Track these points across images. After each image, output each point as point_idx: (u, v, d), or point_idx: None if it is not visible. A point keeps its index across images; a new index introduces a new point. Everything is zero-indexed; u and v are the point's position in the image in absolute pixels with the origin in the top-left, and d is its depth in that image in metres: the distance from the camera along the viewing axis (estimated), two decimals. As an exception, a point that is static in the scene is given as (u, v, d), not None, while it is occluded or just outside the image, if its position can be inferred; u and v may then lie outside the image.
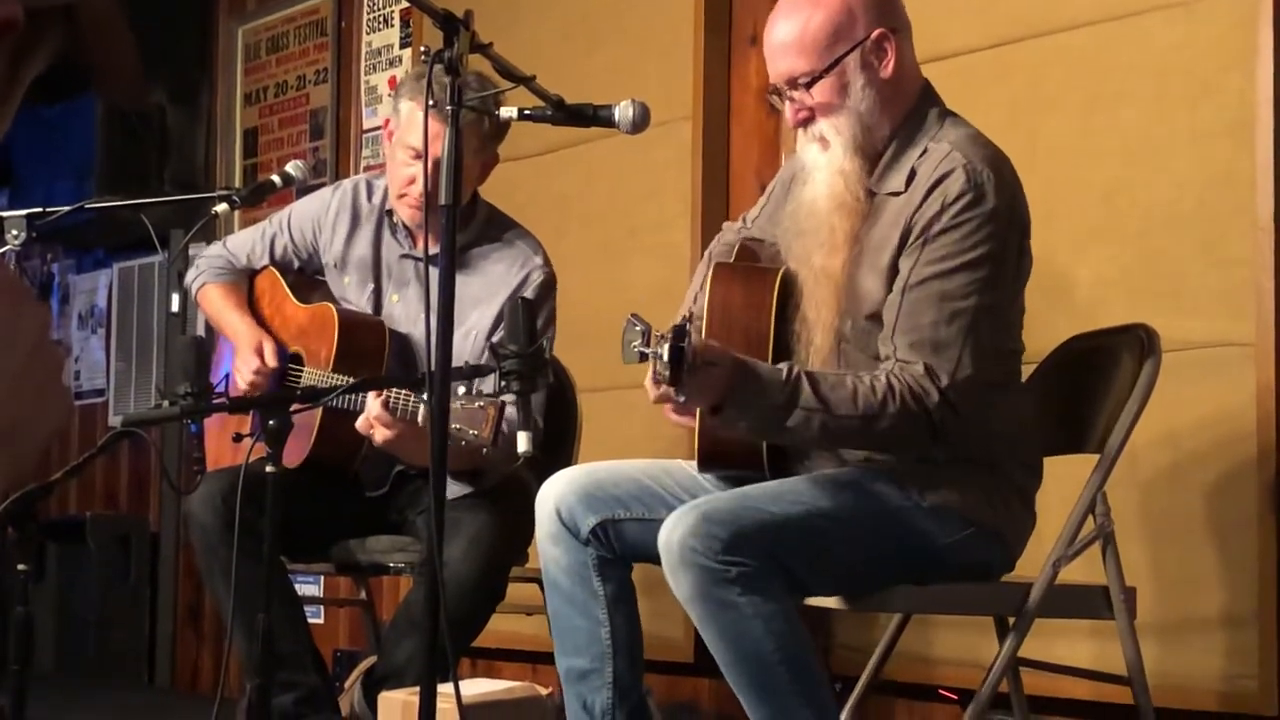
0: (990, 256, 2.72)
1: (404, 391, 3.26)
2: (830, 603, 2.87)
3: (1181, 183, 3.50)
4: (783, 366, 2.67)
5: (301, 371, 3.67)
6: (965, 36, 3.88)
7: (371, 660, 3.62)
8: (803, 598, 2.85)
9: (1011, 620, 2.95)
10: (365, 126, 5.68)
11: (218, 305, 3.82)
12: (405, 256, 3.73)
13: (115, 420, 6.76)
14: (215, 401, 3.08)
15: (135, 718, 5.88)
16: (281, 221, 3.88)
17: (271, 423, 2.77)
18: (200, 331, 3.95)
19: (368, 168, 5.58)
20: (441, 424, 2.54)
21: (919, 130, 2.83)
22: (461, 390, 2.75)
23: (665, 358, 2.47)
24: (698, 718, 4.44)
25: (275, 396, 3.42)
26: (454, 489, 3.42)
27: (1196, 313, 3.44)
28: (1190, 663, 3.41)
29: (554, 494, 2.93)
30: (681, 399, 2.57)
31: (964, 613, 3.33)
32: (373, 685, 3.47)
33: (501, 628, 3.82)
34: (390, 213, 3.74)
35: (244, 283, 3.88)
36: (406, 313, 3.70)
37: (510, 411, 2.74)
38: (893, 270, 2.75)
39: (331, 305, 3.70)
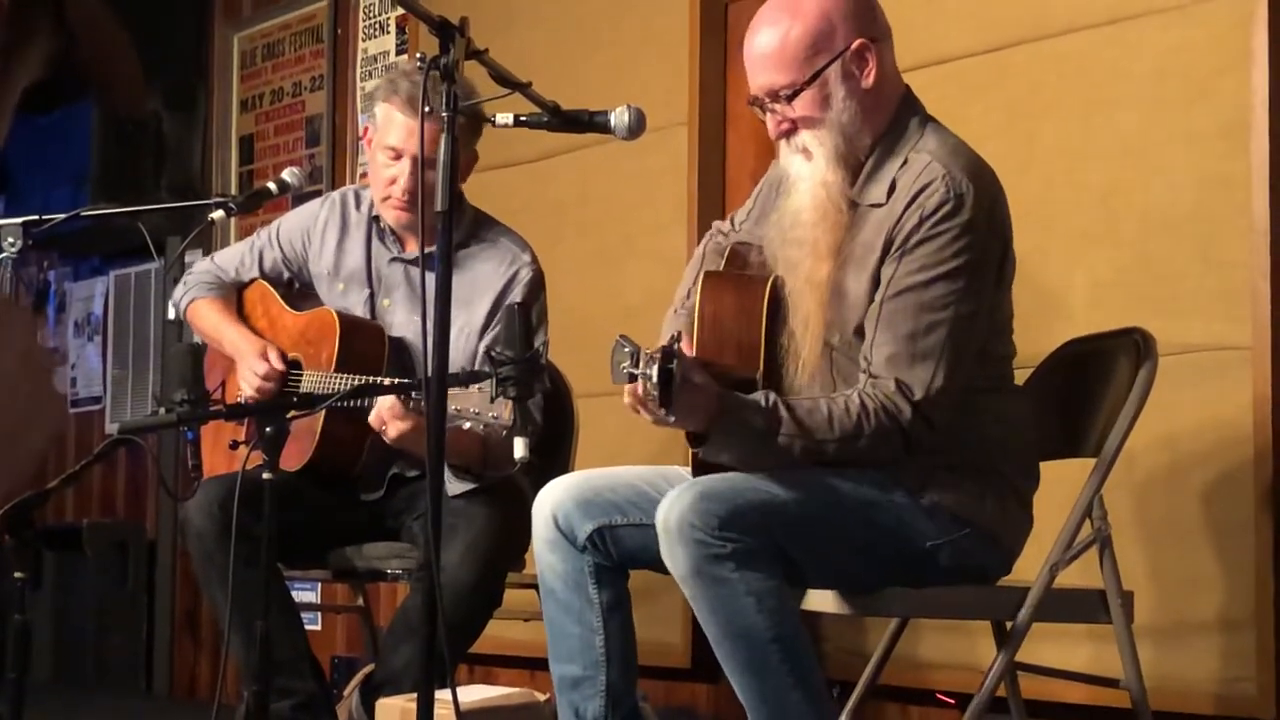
0: (968, 267, 2.72)
1: (412, 387, 3.26)
2: (828, 605, 2.87)
3: (1178, 186, 3.50)
4: (759, 396, 2.68)
5: (300, 376, 3.67)
6: (962, 41, 3.89)
7: (370, 667, 3.62)
8: (798, 587, 2.85)
9: (1009, 624, 2.95)
10: (362, 133, 5.68)
11: (211, 319, 3.81)
12: (395, 260, 3.73)
13: (112, 427, 6.76)
14: (212, 408, 3.08)
15: (133, 725, 5.88)
16: (270, 235, 3.88)
17: (268, 430, 2.77)
18: (196, 339, 3.94)
19: (364, 174, 5.58)
20: (439, 426, 2.53)
21: (900, 139, 2.83)
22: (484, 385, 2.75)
23: (654, 379, 2.47)
24: (696, 723, 4.44)
25: (272, 403, 3.42)
26: (456, 485, 3.42)
27: (1193, 316, 3.44)
28: (1188, 666, 3.41)
29: (551, 500, 2.93)
30: (671, 419, 2.58)
31: (961, 617, 3.33)
32: (370, 691, 3.46)
33: (499, 633, 3.82)
34: (378, 219, 3.75)
35: (233, 295, 3.87)
36: (398, 317, 3.70)
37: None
38: (875, 281, 2.76)
39: (330, 308, 3.70)
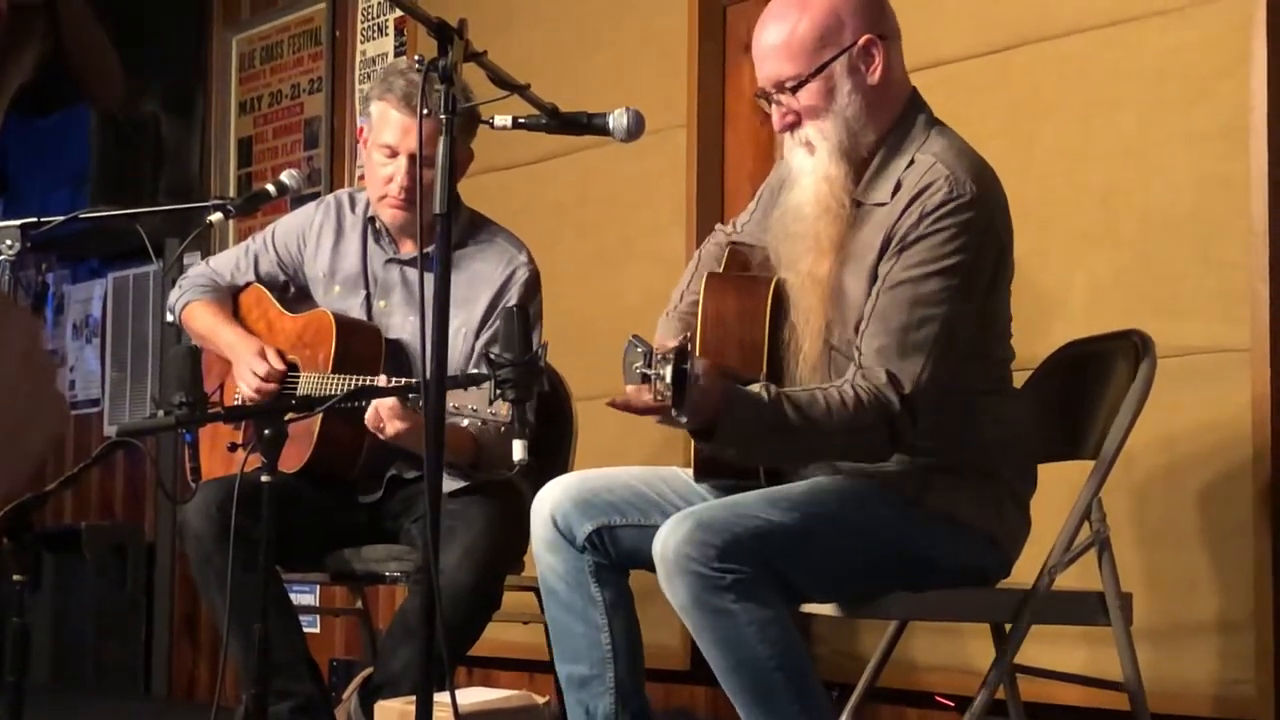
0: (964, 266, 2.72)
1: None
2: (826, 609, 2.87)
3: (1177, 187, 3.50)
4: (760, 389, 2.68)
5: (298, 378, 3.66)
6: (962, 43, 3.89)
7: (368, 670, 3.62)
8: (798, 604, 2.85)
9: (1008, 626, 2.95)
10: (358, 133, 5.68)
11: (207, 321, 3.80)
12: (390, 261, 3.73)
13: (110, 430, 6.76)
14: (210, 411, 3.08)
15: (131, 728, 5.88)
16: (265, 239, 3.87)
17: (266, 432, 2.77)
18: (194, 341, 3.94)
19: (362, 177, 5.57)
20: (437, 428, 2.53)
21: (906, 139, 2.83)
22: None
23: (668, 379, 2.47)
24: (694, 725, 4.43)
25: (270, 405, 3.42)
26: (449, 483, 3.42)
27: (1192, 318, 3.44)
28: (1186, 668, 3.41)
29: (549, 501, 2.93)
30: (684, 420, 2.57)
31: (960, 619, 3.33)
32: (369, 694, 3.46)
33: (498, 636, 3.82)
34: (373, 220, 3.75)
35: (229, 298, 3.87)
36: (395, 318, 3.70)
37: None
38: (873, 278, 2.76)
39: (327, 310, 3.70)
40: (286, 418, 2.84)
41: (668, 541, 2.64)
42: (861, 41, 2.80)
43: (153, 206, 5.00)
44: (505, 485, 3.50)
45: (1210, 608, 3.41)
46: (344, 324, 3.64)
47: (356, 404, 3.44)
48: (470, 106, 3.08)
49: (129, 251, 6.57)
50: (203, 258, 4.71)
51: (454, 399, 2.73)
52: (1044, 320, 3.58)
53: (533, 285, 3.67)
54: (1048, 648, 3.30)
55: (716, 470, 2.90)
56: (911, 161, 2.79)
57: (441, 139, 2.58)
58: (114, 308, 6.92)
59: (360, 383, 3.44)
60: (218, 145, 6.33)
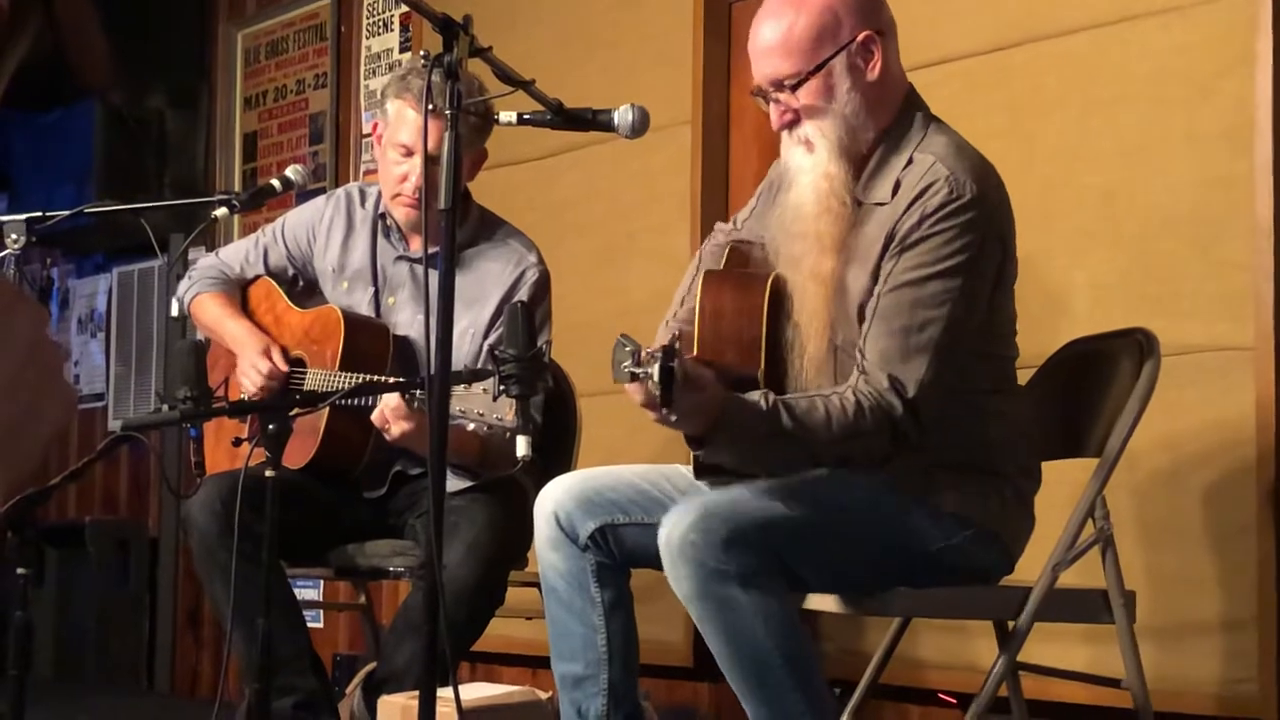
0: (966, 266, 2.72)
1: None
2: (829, 605, 2.87)
3: (1179, 186, 3.50)
4: (759, 396, 2.68)
5: (305, 374, 3.67)
6: (964, 41, 3.89)
7: (372, 665, 3.62)
8: (802, 596, 2.85)
9: (1011, 624, 2.95)
10: (365, 131, 5.68)
11: (215, 314, 3.80)
12: (400, 259, 3.73)
13: (115, 425, 6.76)
14: (215, 405, 3.08)
15: (135, 722, 5.88)
16: (275, 232, 3.87)
17: (271, 427, 2.77)
18: (200, 336, 3.94)
19: (367, 172, 5.59)
20: (441, 426, 2.53)
21: (904, 136, 2.82)
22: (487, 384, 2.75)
23: (656, 377, 2.47)
24: (697, 722, 4.44)
25: (275, 400, 3.42)
26: (454, 482, 3.42)
27: (1195, 317, 3.44)
28: (1189, 666, 3.41)
29: (552, 499, 2.93)
30: (673, 419, 2.57)
31: (963, 617, 3.33)
32: (372, 689, 3.46)
33: (501, 632, 3.82)
34: (384, 216, 3.75)
35: (238, 291, 3.87)
36: (402, 315, 3.70)
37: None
38: (876, 277, 2.76)
39: (335, 306, 3.70)
40: (291, 413, 2.84)
41: (673, 530, 2.65)
42: (860, 38, 2.79)
43: (158, 201, 5.00)
44: (509, 481, 3.50)
45: (1213, 606, 3.41)
46: (352, 321, 3.64)
47: (362, 400, 3.44)
48: (480, 101, 3.08)
49: (134, 246, 6.57)
50: (208, 252, 4.71)
51: (460, 403, 2.73)
52: (1047, 319, 3.58)
53: (542, 286, 3.67)
54: (1051, 645, 3.30)
55: (714, 469, 2.90)
56: (910, 160, 2.78)
57: (447, 134, 2.58)
58: (119, 302, 6.92)
59: (366, 379, 3.44)
60: (223, 140, 6.33)
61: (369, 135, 5.25)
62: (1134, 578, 3.11)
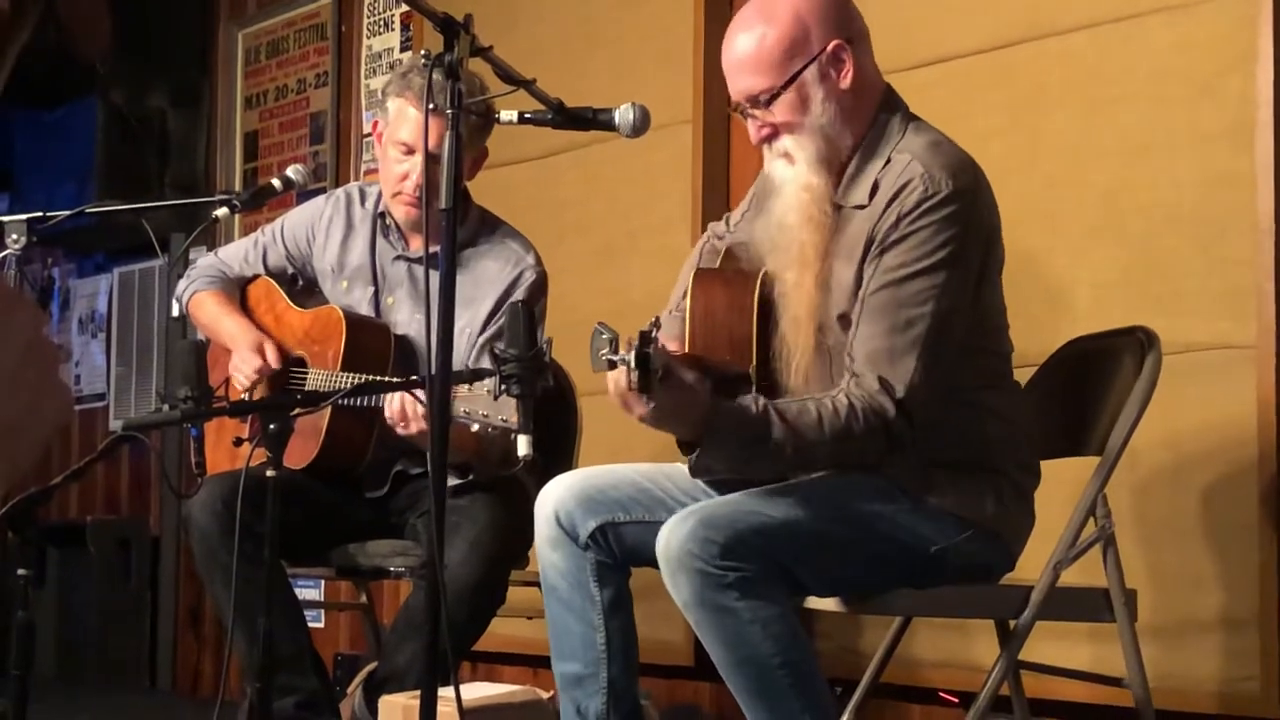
0: (947, 262, 2.71)
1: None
2: (830, 605, 2.87)
3: (1181, 184, 3.50)
4: (750, 401, 2.68)
5: (305, 374, 3.66)
6: (966, 39, 3.88)
7: (373, 665, 3.62)
8: (802, 600, 2.85)
9: (1012, 623, 2.95)
10: (366, 130, 5.68)
11: (212, 312, 3.80)
12: (399, 258, 3.73)
13: (116, 424, 6.76)
14: (216, 405, 3.08)
15: (136, 722, 5.88)
16: (274, 231, 3.87)
17: (272, 426, 2.77)
18: (200, 335, 3.94)
19: (368, 172, 5.59)
20: (442, 425, 2.53)
21: (881, 139, 2.82)
22: (488, 384, 2.75)
23: (632, 364, 2.47)
24: (699, 721, 4.44)
25: (276, 400, 3.42)
26: (449, 479, 3.42)
27: (1197, 315, 3.44)
28: (1191, 665, 3.41)
29: (553, 498, 2.93)
30: (651, 405, 2.56)
31: (965, 615, 3.33)
32: (373, 689, 3.47)
33: (502, 631, 3.82)
34: (383, 216, 3.75)
35: (237, 290, 3.87)
36: (400, 315, 3.70)
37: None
38: (858, 280, 2.76)
39: (336, 306, 3.70)
40: (292, 413, 2.84)
41: (671, 539, 2.65)
42: (830, 48, 2.78)
43: (158, 201, 4.99)
44: (510, 481, 3.50)
45: (1215, 604, 3.40)
46: (354, 321, 3.64)
47: (364, 400, 3.44)
48: (481, 100, 3.08)
49: (134, 246, 6.57)
50: (208, 252, 4.71)
51: (462, 403, 2.73)
52: (1049, 316, 3.58)
53: (539, 287, 3.67)
54: (1052, 644, 3.30)
55: (709, 468, 2.90)
56: (888, 161, 2.78)
57: (447, 133, 2.58)
58: (119, 302, 6.92)
59: (368, 379, 3.44)
60: (224, 140, 6.33)
61: (370, 135, 5.24)
62: (1135, 576, 3.11)
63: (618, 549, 2.89)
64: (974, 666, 3.57)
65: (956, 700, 3.80)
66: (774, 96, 2.77)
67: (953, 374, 2.76)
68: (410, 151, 3.59)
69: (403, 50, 5.59)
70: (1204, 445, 3.45)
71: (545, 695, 3.45)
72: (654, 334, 2.50)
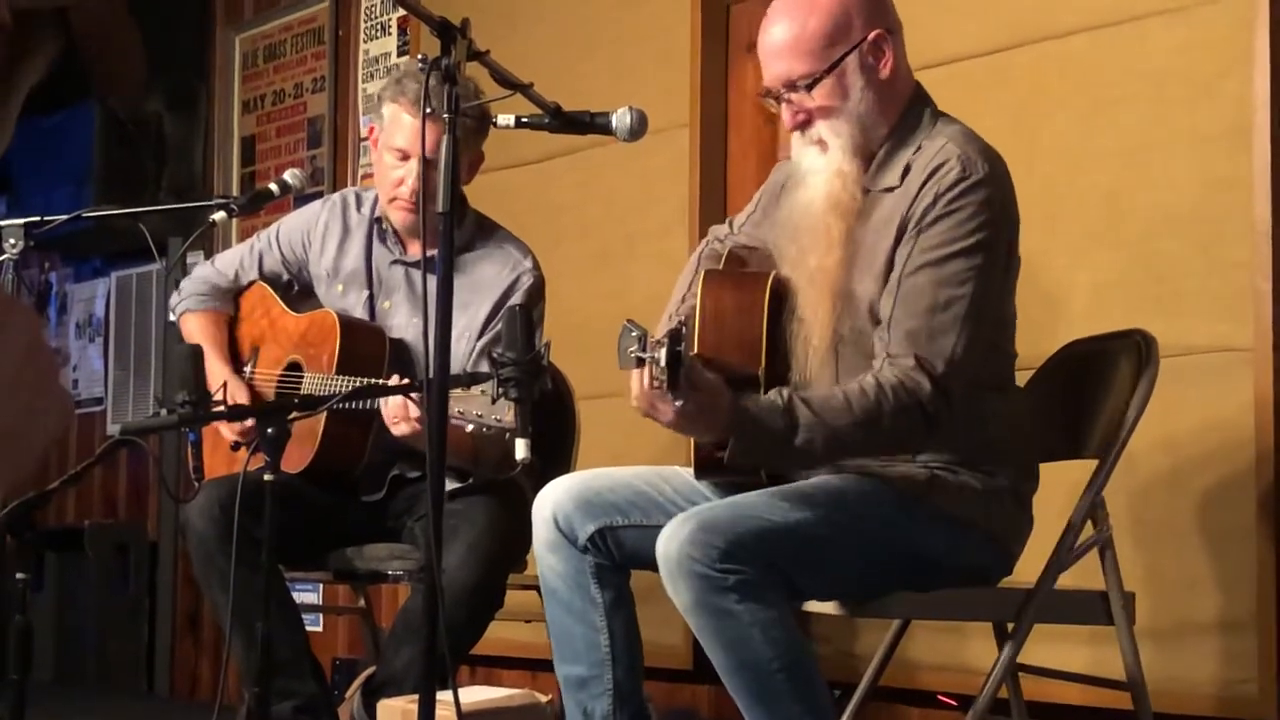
0: (985, 244, 2.72)
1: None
2: (829, 608, 2.87)
3: (1180, 187, 3.50)
4: (775, 395, 2.67)
5: (301, 378, 3.67)
6: (965, 42, 3.89)
7: (371, 669, 3.62)
8: (801, 603, 2.85)
9: (1010, 626, 2.95)
10: (363, 134, 5.68)
11: (195, 339, 3.80)
12: (396, 263, 3.73)
13: (113, 429, 6.76)
14: (213, 410, 3.08)
15: (134, 727, 5.88)
16: (270, 237, 3.88)
17: (269, 431, 2.77)
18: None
19: (365, 176, 5.58)
20: (440, 426, 2.53)
21: (913, 130, 2.83)
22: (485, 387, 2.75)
23: (662, 362, 2.47)
24: (697, 725, 4.43)
25: (274, 404, 3.42)
26: (447, 482, 3.42)
27: (1195, 317, 3.44)
28: (1189, 667, 3.41)
29: (551, 501, 2.92)
30: (679, 405, 2.56)
31: (963, 618, 3.33)
32: (372, 693, 3.46)
33: (501, 635, 3.82)
34: (380, 220, 3.75)
35: (229, 306, 3.87)
36: (398, 319, 3.70)
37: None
38: (888, 266, 2.75)
39: (331, 310, 3.70)
40: (289, 417, 2.84)
41: (670, 543, 2.64)
42: (872, 36, 2.80)
43: (156, 205, 5.00)
44: (508, 484, 3.50)
45: (1213, 607, 3.40)
46: (348, 324, 3.64)
47: (360, 404, 3.44)
48: (478, 105, 3.08)
49: (132, 250, 6.57)
50: (206, 257, 4.71)
51: (458, 404, 2.73)
52: (1047, 319, 3.58)
53: (536, 291, 3.67)
54: (1050, 647, 3.30)
55: (715, 468, 2.90)
56: (919, 147, 2.79)
57: (445, 138, 2.58)
58: (117, 307, 6.92)
59: (363, 382, 3.44)
60: (221, 144, 6.33)
61: (367, 139, 5.24)
62: (1133, 579, 3.11)
63: (616, 552, 2.89)
64: (972, 669, 3.56)
65: (955, 703, 3.80)
66: (815, 82, 2.77)
67: (984, 358, 2.75)
68: (405, 157, 3.59)
69: (400, 55, 5.59)
70: (1202, 448, 3.45)
71: (544, 699, 3.45)
72: (684, 331, 2.50)
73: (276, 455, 2.79)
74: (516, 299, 3.60)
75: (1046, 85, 3.75)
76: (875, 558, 2.77)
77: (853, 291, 2.78)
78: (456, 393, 2.71)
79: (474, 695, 3.38)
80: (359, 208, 3.81)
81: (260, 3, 6.32)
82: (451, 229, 2.57)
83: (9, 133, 1.03)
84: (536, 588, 3.00)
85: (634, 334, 2.51)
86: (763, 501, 2.72)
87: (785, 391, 2.67)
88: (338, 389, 3.47)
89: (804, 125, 2.82)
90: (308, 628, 3.69)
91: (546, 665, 2.99)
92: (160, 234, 5.64)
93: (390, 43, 5.67)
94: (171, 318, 3.97)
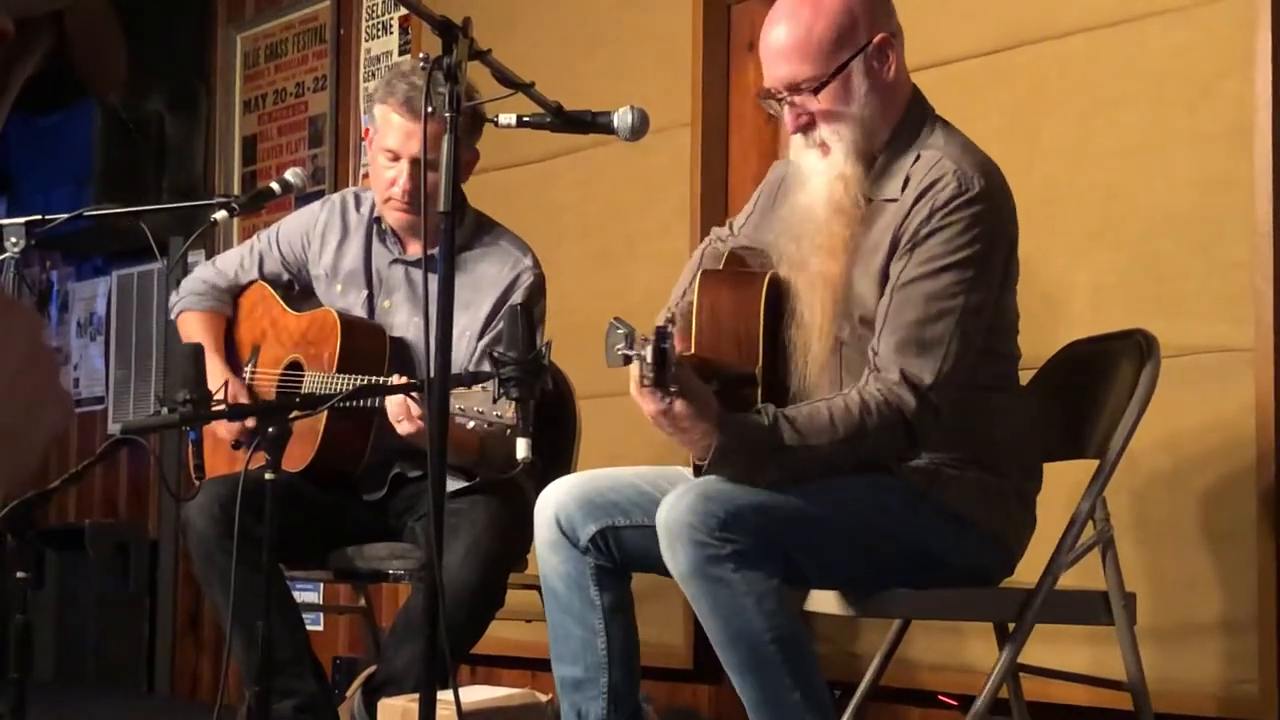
0: (977, 258, 2.72)
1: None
2: (831, 607, 2.87)
3: (1180, 187, 3.50)
4: (762, 411, 2.68)
5: (302, 377, 3.67)
6: (964, 42, 3.89)
7: (372, 668, 3.62)
8: (800, 589, 2.84)
9: (1011, 626, 2.95)
10: (364, 134, 5.68)
11: (191, 339, 3.80)
12: (395, 262, 3.73)
13: (114, 428, 6.76)
14: (214, 409, 3.08)
15: (135, 725, 5.88)
16: (270, 238, 3.88)
17: (270, 430, 2.77)
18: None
19: (366, 175, 5.58)
20: (441, 426, 2.53)
21: (911, 135, 2.83)
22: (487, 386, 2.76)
23: (649, 359, 2.47)
24: (697, 724, 4.43)
25: (274, 403, 3.42)
26: (451, 482, 3.42)
27: (1196, 317, 3.44)
28: (1190, 668, 3.41)
29: (553, 501, 2.92)
30: (665, 402, 2.56)
31: (964, 618, 3.33)
32: (372, 692, 3.47)
33: (501, 634, 3.82)
34: (379, 220, 3.75)
35: (227, 307, 3.88)
36: (398, 318, 3.70)
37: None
38: (884, 275, 2.76)
39: (331, 309, 3.70)
40: (290, 416, 2.84)
41: (671, 511, 2.65)
42: (877, 40, 2.80)
43: (157, 204, 5.00)
44: (509, 484, 3.50)
45: (1214, 608, 3.40)
46: (349, 323, 3.64)
47: (361, 403, 3.44)
48: (473, 105, 3.08)
49: (133, 249, 6.57)
50: (207, 256, 4.71)
51: (460, 401, 2.73)
52: (1047, 320, 3.57)
53: (537, 289, 3.67)
54: (1051, 647, 3.30)
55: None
56: (917, 157, 2.79)
57: (446, 139, 2.58)
58: (118, 306, 6.92)
59: (365, 381, 3.45)
60: (222, 143, 6.33)
61: (365, 139, 5.25)
62: (1134, 579, 3.11)
63: (618, 553, 2.89)
64: (973, 669, 3.56)
65: (955, 703, 3.80)
66: (821, 85, 2.77)
67: (970, 372, 2.76)
68: (396, 157, 3.60)
69: (401, 54, 5.59)
70: (1203, 448, 3.45)
71: (544, 698, 3.45)
72: (670, 329, 2.50)
73: (278, 454, 2.79)
74: (517, 297, 3.61)
75: (1046, 85, 3.75)
76: (876, 547, 2.77)
77: (852, 297, 2.78)
78: (458, 390, 2.72)
79: (474, 694, 3.38)
80: (358, 208, 3.82)
81: (261, 1, 6.32)
82: (453, 228, 2.57)
83: (1, 119, 1.03)
84: (537, 587, 3.00)
85: (620, 331, 2.52)
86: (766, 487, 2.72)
87: (771, 409, 2.68)
88: (338, 388, 3.48)
89: (807, 128, 2.82)
90: (308, 627, 3.69)
91: (547, 665, 2.99)
92: (161, 233, 5.63)
93: (392, 42, 5.67)
94: (171, 316, 3.97)
